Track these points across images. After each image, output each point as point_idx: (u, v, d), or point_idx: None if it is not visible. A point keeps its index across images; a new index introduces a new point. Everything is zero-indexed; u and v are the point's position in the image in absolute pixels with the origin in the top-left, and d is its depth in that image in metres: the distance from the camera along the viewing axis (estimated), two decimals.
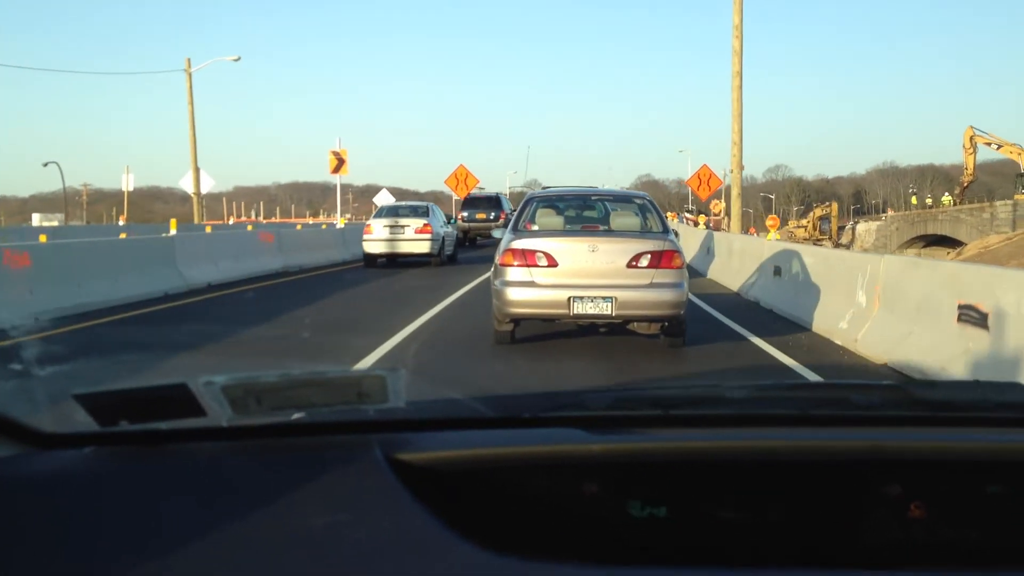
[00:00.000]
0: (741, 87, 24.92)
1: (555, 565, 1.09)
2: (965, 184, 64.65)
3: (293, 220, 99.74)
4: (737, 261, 18.20)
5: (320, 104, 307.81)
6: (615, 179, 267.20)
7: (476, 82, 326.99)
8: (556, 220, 10.19)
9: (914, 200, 76.89)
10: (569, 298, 9.00)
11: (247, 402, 1.26)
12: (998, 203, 48.94)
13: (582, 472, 1.28)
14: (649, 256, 9.15)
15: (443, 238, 23.44)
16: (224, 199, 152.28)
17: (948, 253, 51.77)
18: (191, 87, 40.44)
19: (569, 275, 9.11)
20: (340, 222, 35.93)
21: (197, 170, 38.89)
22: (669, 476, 1.27)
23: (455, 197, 40.99)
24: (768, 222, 23.43)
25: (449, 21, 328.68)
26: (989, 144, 59.67)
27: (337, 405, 1.34)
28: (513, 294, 9.16)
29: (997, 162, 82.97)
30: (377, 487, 1.18)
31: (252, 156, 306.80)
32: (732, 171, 25.05)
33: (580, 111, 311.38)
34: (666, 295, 9.08)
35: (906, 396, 1.44)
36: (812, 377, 8.59)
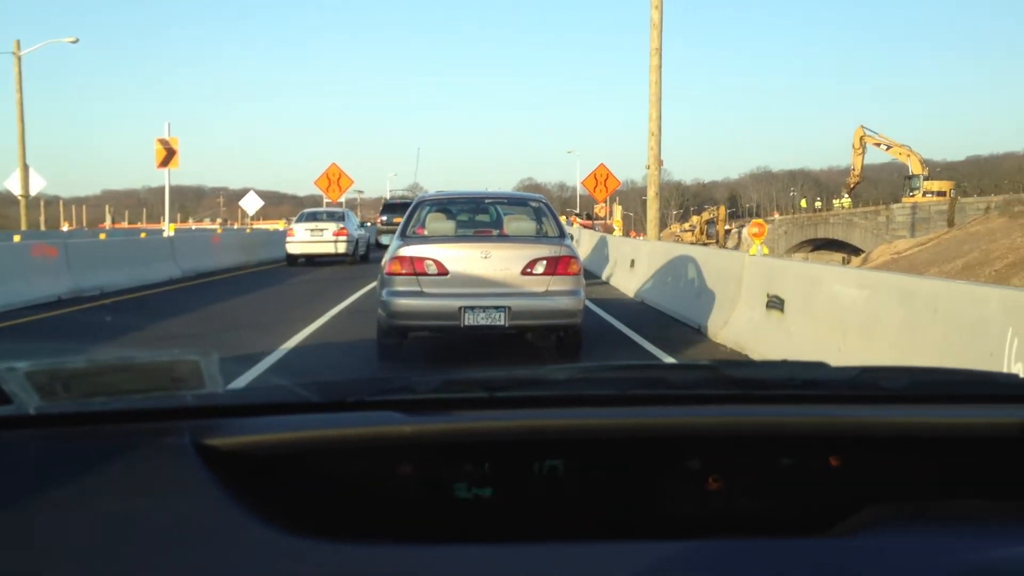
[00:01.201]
0: (660, 67, 21.69)
1: (362, 546, 1.10)
2: (852, 185, 63.88)
3: (147, 226, 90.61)
4: (633, 265, 17.32)
5: (165, 98, 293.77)
6: (498, 183, 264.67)
7: (356, 81, 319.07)
8: (447, 225, 9.60)
9: (803, 203, 76.12)
10: (460, 308, 8.48)
11: (54, 389, 1.30)
12: (895, 206, 47.54)
13: (400, 454, 1.30)
14: (545, 262, 8.71)
15: (357, 240, 26.42)
16: (79, 205, 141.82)
17: (845, 259, 49.98)
18: (20, 73, 35.41)
19: (460, 284, 8.61)
20: (169, 229, 28.99)
21: (26, 168, 34.14)
22: (496, 457, 1.29)
23: (326, 199, 36.66)
24: (614, 223, 22.16)
25: (332, 17, 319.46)
26: (879, 145, 58.84)
27: (152, 391, 1.36)
28: (399, 305, 8.57)
29: (876, 166, 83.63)
30: (181, 473, 1.18)
31: (111, 156, 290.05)
32: (649, 167, 21.67)
33: (466, 113, 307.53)
34: (562, 303, 8.68)
35: (720, 375, 1.46)
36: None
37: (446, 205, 10.23)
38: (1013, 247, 28.21)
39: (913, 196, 57.43)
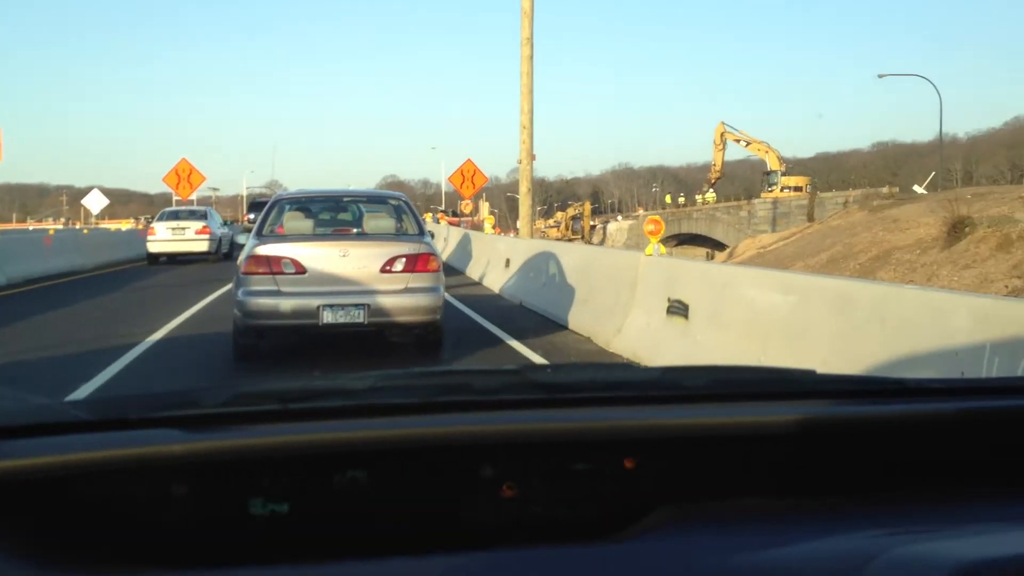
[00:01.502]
0: (532, 57, 20.81)
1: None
2: (713, 180, 64.98)
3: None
4: (509, 265, 16.79)
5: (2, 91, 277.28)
6: (360, 180, 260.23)
7: (210, 75, 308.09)
8: (305, 224, 9.58)
9: (668, 199, 77.02)
10: (318, 307, 8.49)
11: None
12: (756, 201, 48.34)
13: (177, 474, 1.23)
14: (404, 260, 8.82)
15: (220, 238, 26.81)
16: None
17: (708, 254, 50.52)
18: None
19: (318, 282, 8.61)
20: None
21: None
22: (294, 470, 1.25)
23: (175, 197, 34.38)
24: (486, 221, 24.27)
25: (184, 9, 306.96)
26: (738, 141, 59.92)
27: None
28: (256, 304, 8.48)
29: (733, 162, 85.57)
30: None
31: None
32: (521, 161, 20.75)
33: (326, 108, 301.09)
34: (422, 300, 8.79)
35: (524, 380, 1.46)
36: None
37: (304, 203, 10.11)
38: (875, 241, 28.69)
39: (771, 192, 58.74)
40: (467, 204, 75.20)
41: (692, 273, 8.02)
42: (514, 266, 15.39)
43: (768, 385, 1.58)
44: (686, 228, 57.06)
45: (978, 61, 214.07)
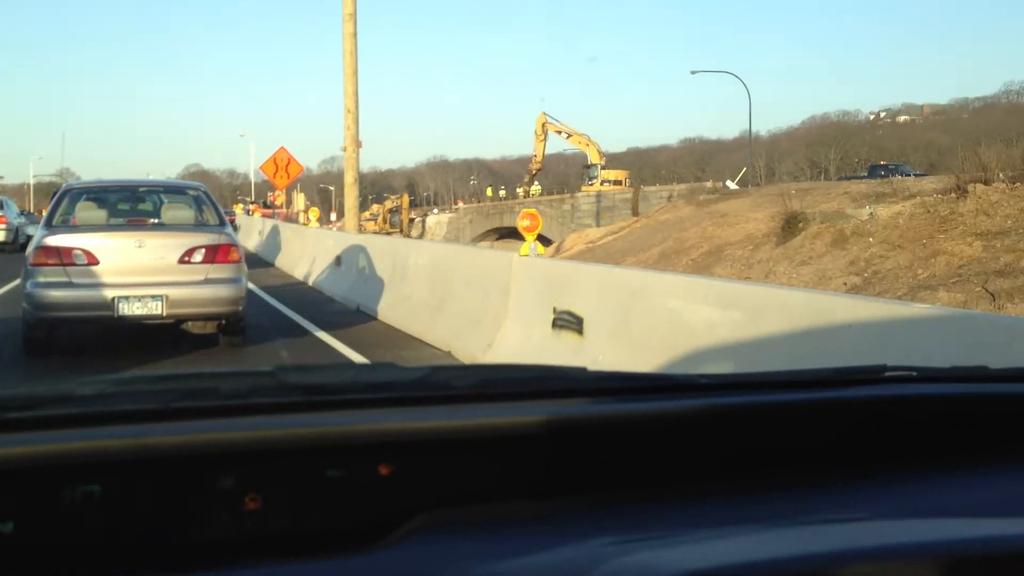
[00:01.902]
0: (356, 34, 19.15)
1: None
2: (534, 171, 64.63)
3: None
4: (309, 254, 17.04)
5: None
6: (161, 170, 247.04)
7: None
8: (98, 214, 9.30)
9: (488, 192, 76.02)
10: (114, 298, 8.36)
11: None
12: (579, 194, 48.09)
13: None
14: (204, 251, 8.73)
15: (17, 228, 26.93)
16: None
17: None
18: None
19: (113, 273, 8.44)
20: None
21: None
22: (18, 485, 1.15)
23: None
24: (310, 213, 23.37)
25: None
26: (560, 132, 59.75)
27: None
28: (47, 296, 8.27)
29: (549, 156, 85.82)
30: None
31: None
32: (346, 148, 19.03)
33: (124, 93, 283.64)
34: (223, 291, 8.73)
35: (277, 382, 1.37)
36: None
37: (97, 193, 9.94)
38: (705, 236, 28.61)
39: (592, 185, 58.98)
40: (278, 195, 72.40)
41: (587, 279, 6.70)
42: (348, 265, 13.73)
43: (535, 383, 1.51)
44: (508, 221, 56.33)
45: (777, 60, 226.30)
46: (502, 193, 75.26)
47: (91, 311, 8.38)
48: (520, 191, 64.65)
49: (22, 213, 30.19)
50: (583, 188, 59.70)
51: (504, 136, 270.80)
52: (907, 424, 1.50)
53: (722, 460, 1.40)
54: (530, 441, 1.32)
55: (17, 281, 11.16)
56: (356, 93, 19.17)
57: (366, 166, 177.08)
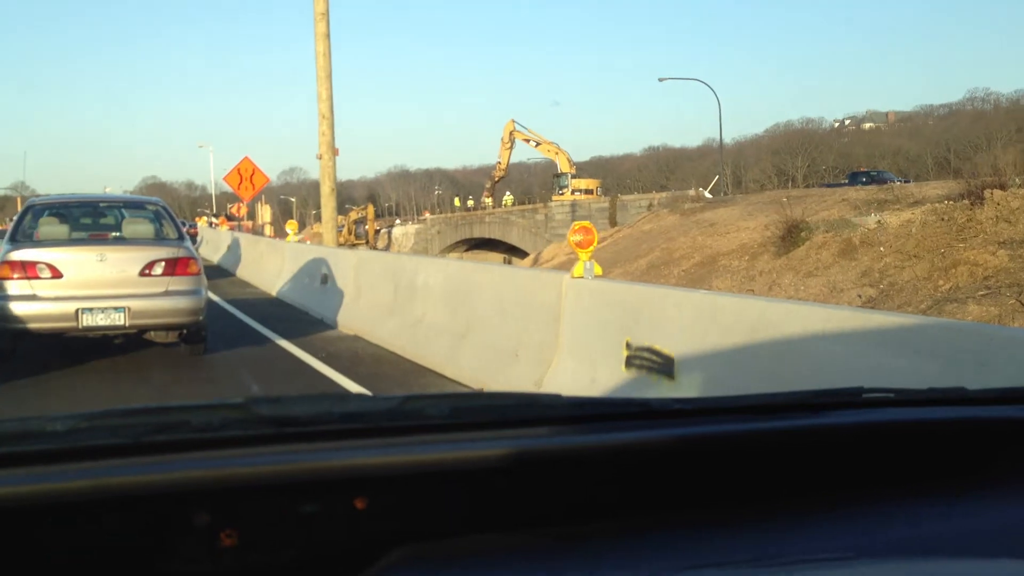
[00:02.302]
0: (329, 35, 17.86)
1: None
2: (497, 179, 63.29)
3: None
4: (288, 269, 16.64)
5: None
6: (118, 183, 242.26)
7: None
8: (60, 229, 9.54)
9: (456, 202, 74.53)
10: (77, 310, 8.72)
11: None
12: (553, 203, 46.88)
13: None
14: (164, 263, 9.07)
15: None
16: None
17: (506, 259, 48.80)
18: None
19: (76, 286, 8.79)
20: None
21: None
22: None
23: None
24: (288, 226, 21.68)
25: None
26: (528, 140, 58.57)
27: None
28: (12, 309, 8.64)
29: (511, 165, 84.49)
30: None
31: None
32: (322, 156, 17.68)
33: (76, 105, 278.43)
34: (183, 302, 9.07)
35: (250, 414, 1.35)
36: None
37: (59, 209, 10.26)
38: (695, 246, 27.57)
39: (563, 195, 57.86)
40: (240, 207, 70.56)
41: (676, 306, 5.32)
42: (342, 284, 12.26)
43: (510, 412, 1.48)
44: (478, 232, 55.05)
45: (739, 69, 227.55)
46: (470, 203, 73.86)
47: (55, 323, 8.68)
48: (486, 200, 63.35)
49: None
50: (554, 198, 58.58)
51: (464, 146, 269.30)
52: (885, 451, 1.49)
53: (696, 490, 1.37)
54: (504, 472, 1.29)
55: None
56: (331, 97, 17.85)
57: None
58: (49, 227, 9.34)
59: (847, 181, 46.36)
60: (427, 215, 68.60)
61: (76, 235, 9.86)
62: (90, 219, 11.13)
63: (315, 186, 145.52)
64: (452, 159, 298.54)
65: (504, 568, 1.17)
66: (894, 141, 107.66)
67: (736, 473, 1.40)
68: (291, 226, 19.12)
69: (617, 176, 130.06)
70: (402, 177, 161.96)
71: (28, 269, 8.60)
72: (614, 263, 29.47)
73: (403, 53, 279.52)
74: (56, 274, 8.65)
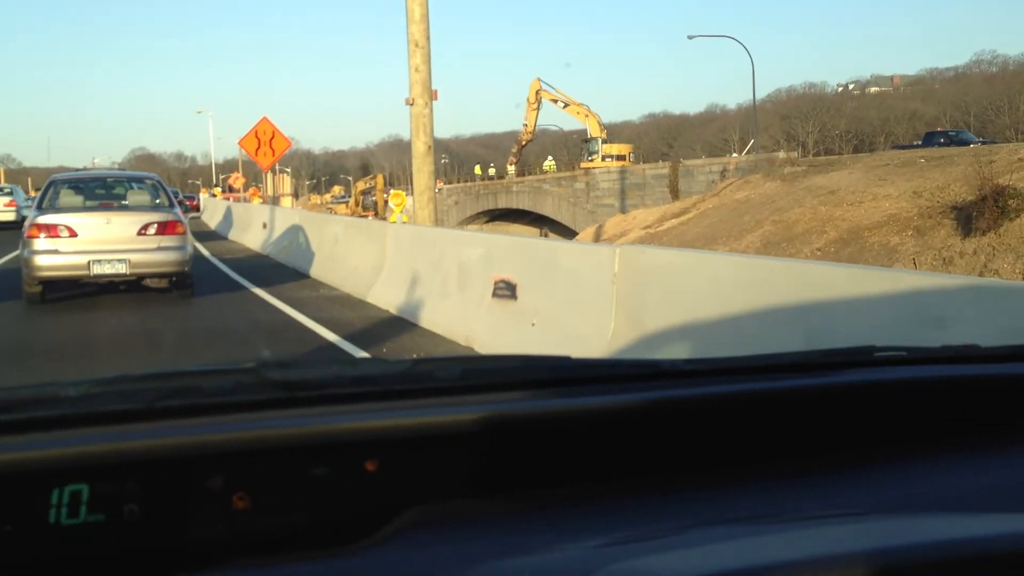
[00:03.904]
0: None
1: None
2: (524, 143, 57.62)
3: None
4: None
5: None
6: (107, 153, 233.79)
7: None
8: (76, 199, 12.01)
9: (478, 170, 68.60)
10: (89, 261, 10.98)
11: None
12: (597, 171, 41.37)
13: None
14: (156, 225, 11.30)
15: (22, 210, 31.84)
16: None
17: (543, 233, 43.30)
18: None
19: (88, 243, 11.02)
20: None
21: None
22: (8, 492, 1.13)
23: None
24: (249, 192, 25.56)
25: None
26: (555, 101, 53.02)
27: None
28: (40, 261, 10.95)
29: (505, 133, 78.54)
30: None
31: None
32: (414, 101, 12.28)
33: (64, 77, 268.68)
34: (171, 256, 11.34)
35: (261, 379, 1.34)
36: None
37: (75, 183, 12.68)
38: (819, 217, 22.34)
39: (592, 161, 52.47)
40: (237, 177, 65.10)
41: None
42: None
43: (520, 373, 1.45)
44: (504, 203, 49.57)
45: (738, 33, 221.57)
46: (491, 171, 68.07)
47: (72, 271, 11.07)
48: (510, 168, 57.77)
49: (28, 199, 34.26)
50: (582, 164, 53.13)
51: (457, 116, 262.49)
52: (898, 409, 1.47)
53: (706, 450, 1.36)
54: (513, 434, 1.28)
55: (17, 251, 12.90)
56: (427, 18, 12.41)
57: (317, 146, 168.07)
58: (68, 197, 11.86)
59: (920, 143, 41.26)
60: (441, 184, 63.00)
61: (89, 204, 12.08)
62: (101, 191, 12.95)
63: (308, 157, 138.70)
64: (445, 129, 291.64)
65: (515, 529, 1.16)
66: (907, 104, 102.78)
67: (746, 433, 1.36)
68: (397, 200, 14.12)
69: (618, 143, 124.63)
70: (396, 147, 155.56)
71: (51, 230, 10.99)
72: (712, 239, 24.18)
73: (394, 18, 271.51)
74: (72, 234, 11.00)
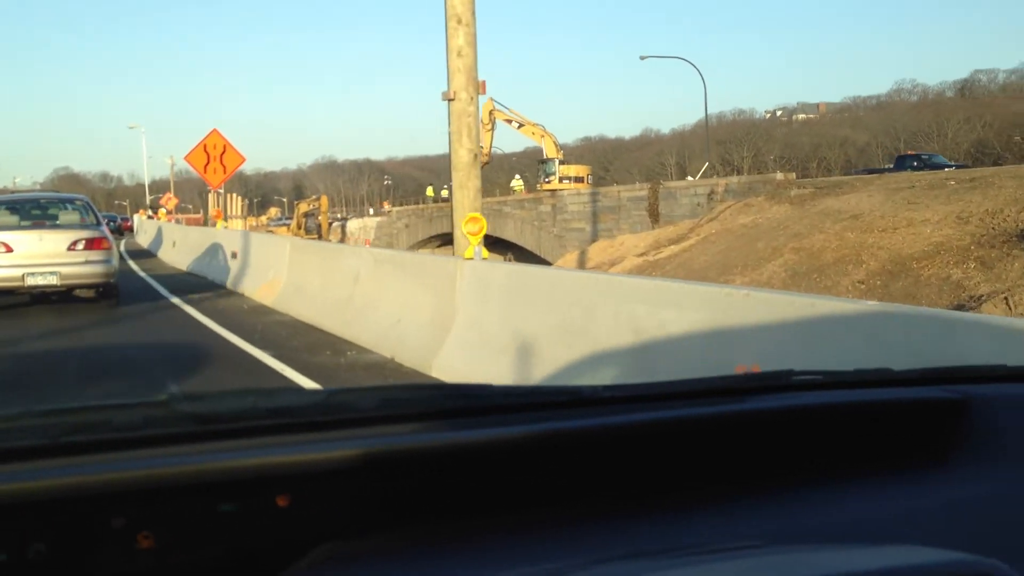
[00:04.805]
0: None
1: None
2: (481, 165, 54.48)
3: None
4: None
5: None
6: (28, 172, 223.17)
7: None
8: (12, 219, 12.95)
9: (430, 191, 64.31)
10: (23, 274, 11.98)
11: None
12: (565, 192, 38.30)
13: None
14: (84, 241, 12.39)
15: None
16: None
17: (508, 258, 40.32)
18: None
19: (23, 257, 12.05)
20: None
21: None
22: None
23: None
24: (212, 212, 23.23)
25: None
26: (510, 122, 50.01)
27: None
28: None
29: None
30: None
31: None
32: (455, 95, 9.05)
33: None
34: (97, 268, 12.46)
35: (172, 412, 1.27)
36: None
37: (12, 204, 13.63)
38: (849, 245, 19.70)
39: (549, 183, 49.57)
40: (169, 197, 60.48)
41: None
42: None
43: (437, 403, 1.39)
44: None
45: (668, 61, 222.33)
46: (444, 193, 64.44)
47: (8, 282, 12.05)
48: (514, 185, 54.17)
49: None
50: (541, 185, 50.18)
51: (392, 137, 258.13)
52: (813, 434, 1.45)
53: (622, 479, 1.32)
54: (433, 464, 1.24)
55: None
56: (472, 10, 9.18)
57: (248, 167, 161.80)
58: (4, 217, 12.93)
59: (891, 166, 39.39)
60: (387, 206, 59.14)
61: (23, 223, 13.04)
62: (36, 211, 13.70)
63: (240, 178, 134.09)
64: (379, 150, 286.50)
65: (428, 563, 1.12)
66: (837, 131, 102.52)
67: (659, 462, 1.35)
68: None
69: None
70: (329, 168, 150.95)
71: None
72: (726, 267, 21.37)
73: (328, 38, 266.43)
74: (8, 249, 12.03)
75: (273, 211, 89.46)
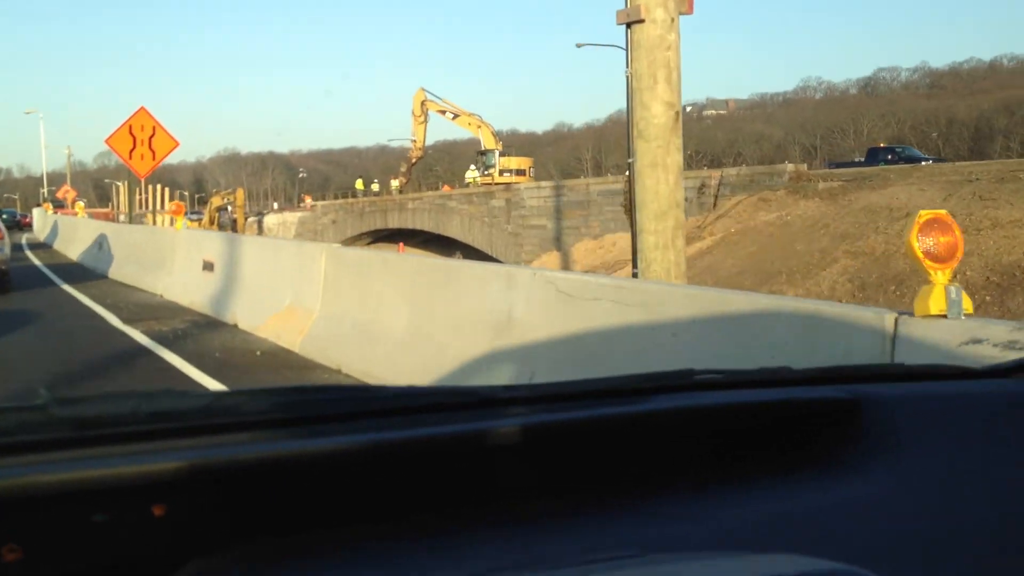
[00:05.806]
0: None
1: None
2: (414, 159, 49.95)
3: None
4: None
5: None
6: None
7: None
8: None
9: (359, 184, 58.63)
10: None
11: None
12: (522, 187, 34.34)
13: None
14: None
15: None
16: None
17: (457, 256, 36.03)
18: None
19: None
20: None
21: None
22: None
23: None
24: (170, 208, 20.52)
25: None
26: (443, 112, 45.83)
27: None
28: None
29: (378, 148, 69.74)
30: None
31: None
32: (643, 16, 4.87)
33: None
34: None
35: (47, 417, 1.18)
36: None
37: None
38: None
39: (489, 175, 45.58)
40: (67, 190, 54.01)
41: None
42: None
43: (327, 407, 1.31)
44: (396, 222, 41.74)
45: (577, 56, 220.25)
46: (374, 187, 59.36)
47: None
48: (394, 184, 49.90)
49: None
50: (480, 180, 46.14)
51: (295, 130, 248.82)
52: (713, 434, 1.40)
53: (514, 484, 1.25)
54: (320, 471, 1.17)
55: None
56: None
57: None
58: None
59: (862, 160, 36.91)
60: (310, 201, 53.91)
61: None
62: None
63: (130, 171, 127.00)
64: (282, 143, 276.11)
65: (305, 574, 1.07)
66: (752, 127, 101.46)
67: (556, 465, 1.27)
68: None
69: (466, 160, 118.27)
70: (232, 161, 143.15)
71: None
72: (766, 275, 17.80)
73: (234, 29, 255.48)
74: None
75: (172, 204, 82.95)
